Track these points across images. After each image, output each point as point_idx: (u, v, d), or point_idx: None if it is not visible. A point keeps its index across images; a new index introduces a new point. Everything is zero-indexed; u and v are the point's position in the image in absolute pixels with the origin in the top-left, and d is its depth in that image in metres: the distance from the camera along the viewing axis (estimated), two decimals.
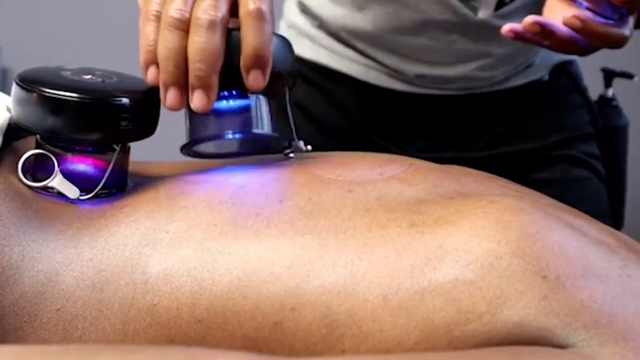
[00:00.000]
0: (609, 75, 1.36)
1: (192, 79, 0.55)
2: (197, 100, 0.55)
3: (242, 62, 0.55)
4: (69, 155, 0.56)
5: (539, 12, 0.97)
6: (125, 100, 0.55)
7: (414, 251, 0.48)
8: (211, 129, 0.59)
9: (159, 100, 0.58)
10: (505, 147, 1.04)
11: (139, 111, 0.57)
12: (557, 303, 0.45)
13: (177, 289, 0.50)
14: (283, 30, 1.09)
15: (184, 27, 0.55)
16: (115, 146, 0.57)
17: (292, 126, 0.63)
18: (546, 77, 1.06)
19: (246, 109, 0.59)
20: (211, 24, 0.54)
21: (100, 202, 0.56)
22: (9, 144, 0.58)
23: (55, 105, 0.54)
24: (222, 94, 0.58)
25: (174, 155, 0.65)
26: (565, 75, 1.07)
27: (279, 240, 0.51)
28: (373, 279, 0.48)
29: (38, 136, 0.57)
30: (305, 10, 1.05)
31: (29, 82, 0.55)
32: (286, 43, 0.60)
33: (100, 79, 0.57)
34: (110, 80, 0.58)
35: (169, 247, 0.52)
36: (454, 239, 0.48)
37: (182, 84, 0.55)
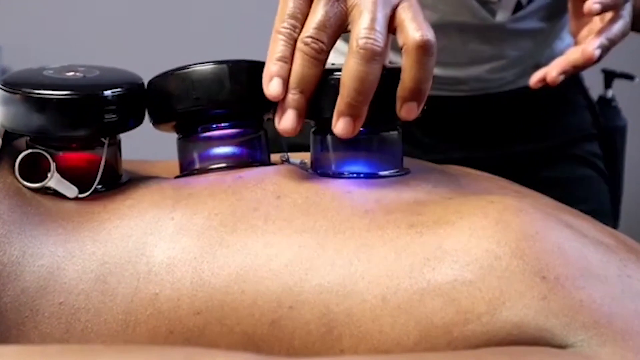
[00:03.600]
0: (609, 76, 1.36)
1: (342, 106, 0.53)
2: (344, 127, 0.53)
3: (401, 92, 0.54)
4: (60, 154, 0.56)
5: (552, 14, 0.98)
6: (107, 93, 0.55)
7: (413, 251, 0.48)
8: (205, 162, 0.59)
9: (142, 91, 0.58)
10: (511, 147, 1.04)
11: (123, 103, 0.56)
12: (556, 303, 0.45)
13: (178, 279, 0.51)
14: None
15: (321, 58, 0.55)
16: (103, 139, 0.57)
17: (285, 150, 0.63)
18: None
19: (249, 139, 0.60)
20: (372, 54, 0.52)
21: (100, 197, 0.56)
22: (8, 144, 0.58)
23: (38, 105, 0.54)
24: (213, 126, 0.58)
25: (174, 155, 0.65)
26: (569, 76, 1.08)
27: (277, 237, 0.51)
28: (372, 278, 0.48)
29: (28, 138, 0.57)
30: None
31: (12, 85, 0.55)
32: None
33: (82, 75, 0.57)
34: (92, 75, 0.58)
35: (173, 234, 0.52)
36: (453, 239, 0.48)
37: (303, 110, 0.55)
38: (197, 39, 2.16)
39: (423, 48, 0.53)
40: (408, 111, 0.54)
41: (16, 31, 2.18)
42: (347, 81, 0.53)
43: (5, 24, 2.18)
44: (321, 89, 0.55)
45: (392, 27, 0.55)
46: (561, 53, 1.06)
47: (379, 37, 0.53)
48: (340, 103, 0.53)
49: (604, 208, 1.04)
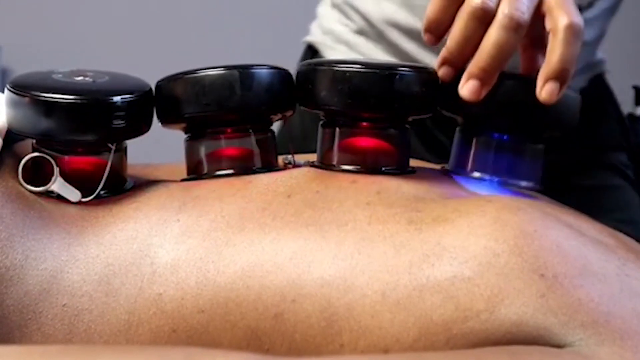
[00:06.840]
0: None
1: (474, 68, 0.55)
2: (472, 89, 0.55)
3: (545, 72, 0.55)
4: (66, 158, 0.56)
5: None
6: (116, 99, 0.55)
7: (412, 248, 0.48)
8: None
9: (151, 98, 0.58)
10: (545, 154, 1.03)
11: (132, 109, 0.56)
12: (554, 302, 0.45)
13: (183, 279, 0.51)
14: (318, 36, 1.06)
15: (486, 19, 0.56)
16: (110, 145, 0.57)
17: (292, 152, 0.63)
18: (583, 85, 1.05)
19: None
20: (516, 24, 0.55)
21: (105, 201, 0.56)
22: (8, 147, 0.58)
23: (47, 108, 0.54)
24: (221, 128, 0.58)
25: (174, 156, 0.65)
26: (602, 86, 1.07)
27: (284, 232, 0.51)
28: (372, 273, 0.48)
29: (34, 141, 0.57)
30: (346, 13, 1.03)
31: (21, 87, 0.55)
32: (286, 80, 0.59)
33: (91, 80, 0.57)
34: (102, 80, 0.58)
35: (178, 236, 0.52)
36: (452, 236, 0.48)
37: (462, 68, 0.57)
38: (198, 39, 2.16)
39: (572, 29, 0.55)
40: (550, 91, 0.55)
41: (16, 31, 2.18)
42: (486, 47, 0.55)
43: (5, 24, 2.18)
44: (332, 81, 0.56)
45: (540, 12, 0.57)
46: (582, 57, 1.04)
47: (525, 10, 0.55)
48: (473, 66, 0.55)
49: (636, 217, 1.03)
